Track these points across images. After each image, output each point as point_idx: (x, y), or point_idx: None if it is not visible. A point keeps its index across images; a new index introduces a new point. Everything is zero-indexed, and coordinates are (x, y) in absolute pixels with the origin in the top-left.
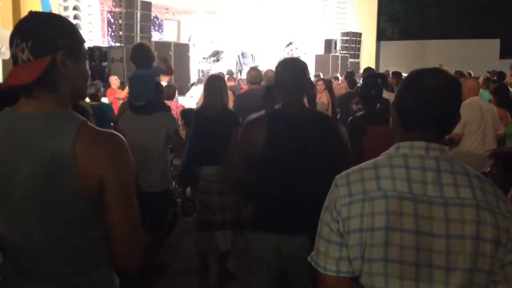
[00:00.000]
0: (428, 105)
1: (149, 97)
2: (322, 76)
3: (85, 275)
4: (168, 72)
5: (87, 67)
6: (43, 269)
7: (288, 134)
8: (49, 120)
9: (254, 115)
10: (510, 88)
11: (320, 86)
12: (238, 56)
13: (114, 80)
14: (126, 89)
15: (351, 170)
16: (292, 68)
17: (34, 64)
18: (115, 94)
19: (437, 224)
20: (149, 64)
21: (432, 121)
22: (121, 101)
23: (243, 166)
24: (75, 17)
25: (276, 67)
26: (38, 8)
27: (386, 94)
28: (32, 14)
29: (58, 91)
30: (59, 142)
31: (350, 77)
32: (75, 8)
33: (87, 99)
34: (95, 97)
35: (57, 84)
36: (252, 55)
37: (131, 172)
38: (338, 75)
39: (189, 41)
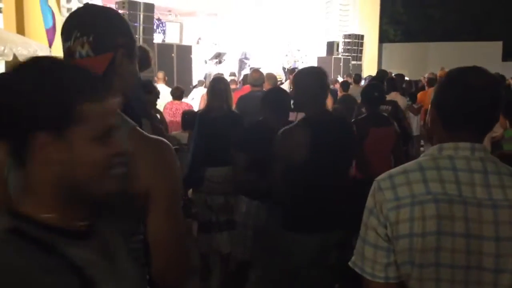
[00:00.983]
0: (473, 104)
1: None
2: None
3: None
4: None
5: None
6: None
7: (327, 140)
8: None
9: (286, 127)
10: None
11: None
12: (240, 58)
13: None
14: None
15: (394, 172)
16: (319, 75)
17: (96, 60)
18: None
19: (486, 227)
20: (142, 67)
21: (475, 121)
22: None
23: (282, 175)
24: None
25: (302, 76)
26: (38, 11)
27: (394, 96)
28: (90, 7)
29: (111, 89)
30: None
31: (357, 79)
32: None
33: None
34: None
35: (112, 82)
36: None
37: (180, 182)
38: (339, 77)
39: (197, 43)
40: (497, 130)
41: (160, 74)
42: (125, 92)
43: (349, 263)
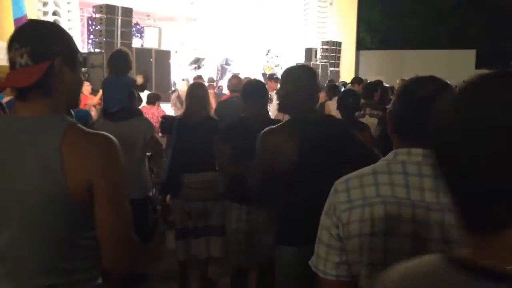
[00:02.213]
0: (416, 113)
1: (123, 103)
2: None
3: (66, 285)
4: (139, 88)
5: (82, 76)
6: (25, 277)
7: (317, 141)
8: (39, 122)
9: (272, 127)
10: None
11: None
12: (222, 64)
13: (86, 86)
14: (99, 95)
15: (351, 176)
16: (308, 72)
17: (33, 69)
18: (87, 100)
19: (434, 229)
20: (125, 71)
21: (422, 128)
22: (97, 108)
23: (265, 176)
24: (55, 22)
25: (289, 74)
26: (9, 12)
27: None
28: (31, 21)
29: (53, 96)
30: (45, 143)
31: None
32: (54, 13)
33: None
34: None
35: (52, 89)
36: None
37: (122, 174)
38: None
39: (181, 46)
40: None
41: (139, 79)
42: (70, 96)
43: (309, 262)
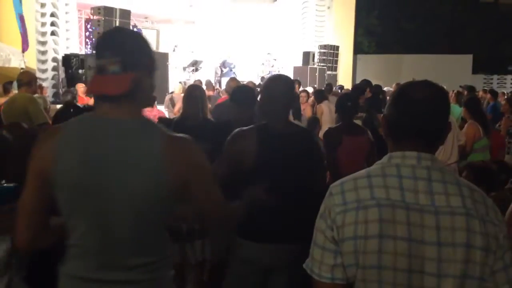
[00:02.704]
0: (413, 117)
1: None
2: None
3: (154, 264)
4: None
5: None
6: (123, 261)
7: (277, 149)
8: (138, 125)
9: (244, 128)
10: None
11: (303, 97)
12: (220, 66)
13: (81, 88)
14: None
15: (345, 179)
16: (282, 85)
17: (122, 78)
18: (82, 102)
19: (428, 232)
20: None
21: (418, 132)
22: None
23: (227, 174)
24: (52, 24)
25: (265, 83)
26: (12, 16)
27: None
28: (120, 30)
29: (135, 101)
30: (150, 145)
31: (329, 89)
32: (52, 15)
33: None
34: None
35: (135, 95)
36: (231, 68)
37: (209, 167)
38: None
39: (174, 51)
40: (462, 138)
41: None
42: (146, 102)
43: (303, 265)
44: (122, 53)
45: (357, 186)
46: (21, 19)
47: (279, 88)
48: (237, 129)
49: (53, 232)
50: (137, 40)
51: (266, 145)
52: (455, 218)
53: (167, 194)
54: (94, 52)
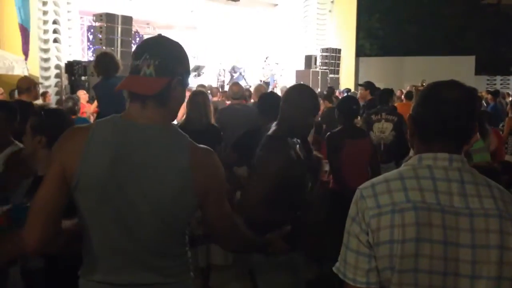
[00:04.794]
0: (446, 117)
1: (121, 106)
2: None
3: (176, 268)
4: None
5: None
6: (143, 264)
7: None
8: (166, 133)
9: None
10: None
11: None
12: (230, 72)
13: (82, 95)
14: (95, 103)
15: (376, 181)
16: (309, 94)
17: (156, 80)
18: (84, 108)
19: (463, 234)
20: (115, 72)
21: (450, 133)
22: (95, 116)
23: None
24: (55, 31)
25: (290, 96)
26: (14, 25)
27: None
28: (162, 38)
29: (165, 108)
30: (178, 154)
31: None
32: (54, 22)
33: None
34: (73, 111)
35: (166, 102)
36: (241, 73)
37: (224, 180)
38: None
39: None
40: None
41: None
42: (176, 109)
43: (333, 269)
44: (160, 58)
45: (391, 189)
46: (20, 28)
47: (303, 100)
48: (266, 145)
49: (65, 237)
50: (177, 49)
51: (292, 156)
52: (489, 220)
53: (191, 204)
54: (133, 52)
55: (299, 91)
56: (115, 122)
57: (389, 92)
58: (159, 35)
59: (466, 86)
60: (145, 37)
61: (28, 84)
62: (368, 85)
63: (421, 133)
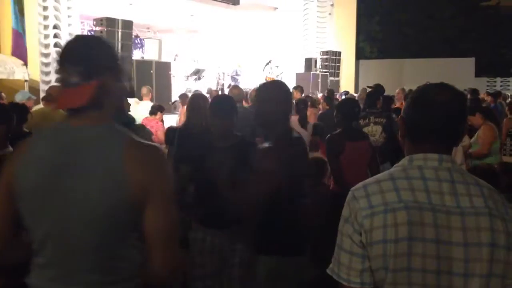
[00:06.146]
0: (436, 119)
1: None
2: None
3: (115, 284)
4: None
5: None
6: (77, 276)
7: (292, 162)
8: (99, 132)
9: (262, 145)
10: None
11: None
12: (232, 75)
13: None
14: None
15: (367, 182)
16: (282, 90)
17: (84, 88)
18: None
19: (455, 233)
20: None
21: (441, 134)
22: None
23: (260, 195)
24: (55, 35)
25: (264, 92)
26: (8, 25)
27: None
28: (80, 39)
29: (103, 108)
30: (108, 151)
31: (329, 95)
32: (55, 27)
33: None
34: None
35: (103, 103)
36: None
37: (171, 182)
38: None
39: (174, 60)
40: (465, 140)
41: (145, 90)
42: (117, 105)
43: (327, 270)
44: (82, 62)
45: (382, 189)
46: (14, 34)
47: (277, 96)
48: (261, 150)
49: (21, 250)
50: (98, 45)
51: (285, 158)
52: (479, 218)
53: (128, 205)
54: (59, 65)
55: (266, 87)
56: (53, 129)
57: (376, 95)
58: (75, 38)
59: (455, 88)
60: (146, 41)
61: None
62: (377, 88)
63: (412, 134)
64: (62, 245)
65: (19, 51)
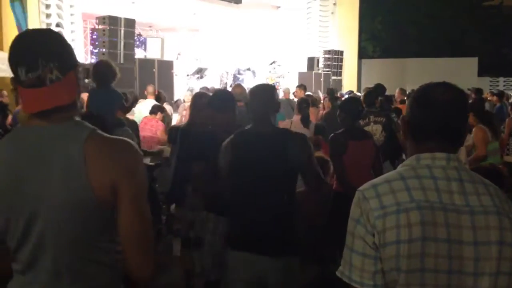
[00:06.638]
0: (438, 118)
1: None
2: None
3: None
4: (125, 108)
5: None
6: (49, 278)
7: (257, 150)
8: (59, 128)
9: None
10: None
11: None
12: (235, 74)
13: (85, 97)
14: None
15: (376, 182)
16: (261, 93)
17: (65, 82)
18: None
19: (465, 232)
20: (107, 82)
21: (445, 133)
22: None
23: (220, 184)
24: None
25: (251, 91)
26: (11, 22)
27: None
28: (35, 33)
29: (72, 104)
30: (68, 148)
31: (331, 94)
32: (58, 25)
33: None
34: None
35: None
36: (253, 71)
37: (143, 178)
38: (319, 92)
39: (177, 59)
40: (468, 139)
41: (150, 88)
42: (79, 102)
43: (337, 273)
44: (57, 57)
45: (394, 189)
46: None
47: (259, 95)
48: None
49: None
50: (62, 38)
51: (245, 147)
52: (488, 217)
53: (93, 203)
54: (15, 65)
55: (254, 88)
56: (17, 130)
57: (374, 94)
58: (30, 32)
59: (457, 87)
60: (148, 39)
61: None
62: (377, 88)
63: (415, 134)
64: (30, 252)
65: None
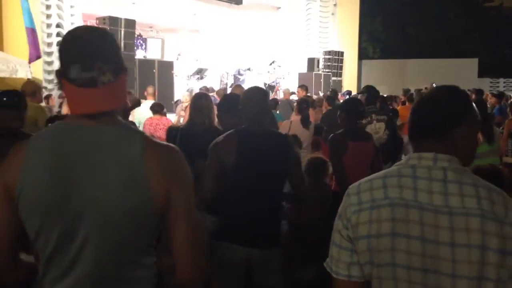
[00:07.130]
0: (422, 114)
1: None
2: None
3: None
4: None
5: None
6: (93, 282)
7: (255, 149)
8: (116, 132)
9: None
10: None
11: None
12: (236, 74)
13: None
14: None
15: (363, 180)
16: (260, 93)
17: (119, 86)
18: None
19: (442, 232)
20: None
21: (433, 131)
22: None
23: (212, 181)
24: (58, 34)
25: (245, 93)
26: (18, 27)
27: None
28: (92, 32)
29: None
30: (128, 153)
31: (333, 95)
32: (58, 25)
33: None
34: None
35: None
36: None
37: (192, 186)
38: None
39: (177, 59)
40: None
41: (150, 89)
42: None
43: (324, 264)
44: (113, 59)
45: (372, 187)
46: (28, 31)
47: (255, 96)
48: (216, 139)
49: (24, 268)
50: (112, 39)
51: (246, 145)
52: (469, 219)
53: (149, 210)
54: (68, 62)
55: (247, 91)
56: (59, 129)
57: (375, 95)
58: (83, 30)
59: (452, 87)
60: (149, 40)
61: (33, 88)
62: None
63: (410, 134)
64: (75, 259)
65: (34, 47)
